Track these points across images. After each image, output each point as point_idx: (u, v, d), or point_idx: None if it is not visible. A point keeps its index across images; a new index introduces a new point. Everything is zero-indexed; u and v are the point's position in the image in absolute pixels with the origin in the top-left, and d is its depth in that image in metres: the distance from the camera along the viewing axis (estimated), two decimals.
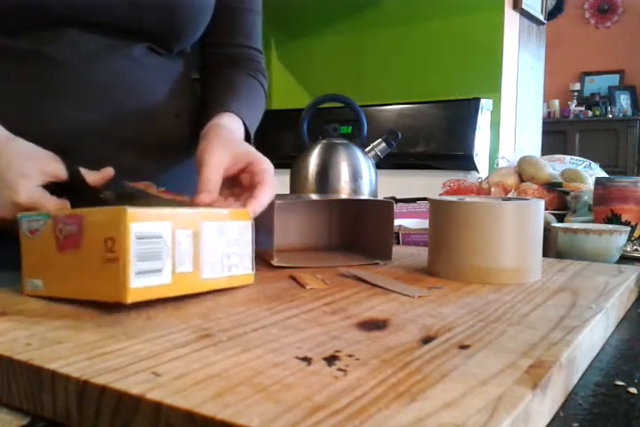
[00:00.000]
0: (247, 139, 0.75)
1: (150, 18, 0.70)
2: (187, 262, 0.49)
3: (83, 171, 0.61)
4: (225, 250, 0.53)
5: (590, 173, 1.34)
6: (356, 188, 1.07)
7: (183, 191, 0.62)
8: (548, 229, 0.76)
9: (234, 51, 0.85)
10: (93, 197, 0.61)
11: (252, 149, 0.65)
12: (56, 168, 0.59)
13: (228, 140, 0.65)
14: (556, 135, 5.13)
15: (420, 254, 0.73)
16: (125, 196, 0.61)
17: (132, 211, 0.45)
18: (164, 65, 0.76)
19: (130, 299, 0.44)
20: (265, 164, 0.62)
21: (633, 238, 0.91)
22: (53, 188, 0.59)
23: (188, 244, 0.49)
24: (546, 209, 1.07)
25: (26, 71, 0.67)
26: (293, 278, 0.59)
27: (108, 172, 0.62)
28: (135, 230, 0.44)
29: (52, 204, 0.57)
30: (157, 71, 0.76)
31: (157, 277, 0.46)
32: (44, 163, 0.59)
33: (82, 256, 0.47)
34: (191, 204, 0.57)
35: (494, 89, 2.06)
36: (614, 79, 5.56)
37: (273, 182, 0.61)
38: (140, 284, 0.44)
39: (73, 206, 0.58)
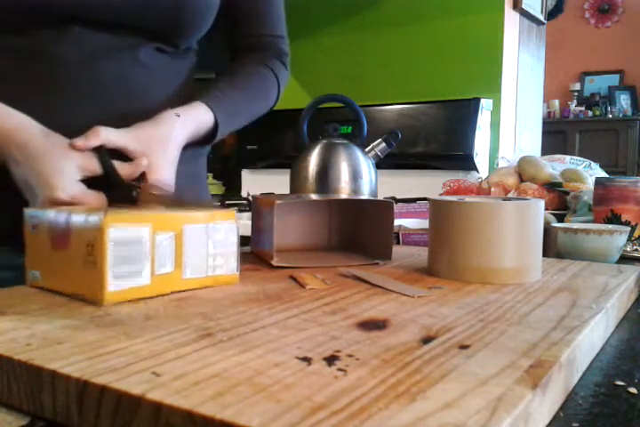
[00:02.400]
0: (215, 129, 0.75)
1: (153, 14, 0.70)
2: (167, 264, 0.50)
3: (116, 163, 0.62)
4: (210, 251, 0.54)
5: (590, 173, 1.34)
6: (355, 188, 1.07)
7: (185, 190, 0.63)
8: (547, 229, 0.76)
9: (257, 40, 0.86)
10: (127, 193, 0.62)
11: (161, 154, 0.66)
12: (90, 163, 0.60)
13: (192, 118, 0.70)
14: (556, 135, 5.12)
15: (420, 254, 0.73)
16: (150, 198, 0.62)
17: (109, 216, 0.46)
18: (169, 66, 0.76)
19: (106, 302, 0.46)
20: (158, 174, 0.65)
21: (633, 238, 0.91)
22: (89, 183, 0.60)
23: (168, 246, 0.50)
24: (546, 209, 1.07)
25: (28, 70, 0.66)
26: (293, 278, 0.59)
27: (141, 163, 0.63)
28: (112, 236, 0.46)
29: (92, 198, 0.59)
30: (162, 73, 0.75)
31: (136, 279, 0.48)
32: (79, 159, 0.60)
33: (70, 256, 0.49)
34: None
35: (494, 89, 2.06)
36: (614, 79, 5.55)
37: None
38: (117, 287, 0.47)
39: (109, 201, 0.60)
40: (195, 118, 0.72)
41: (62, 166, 0.58)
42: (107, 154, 0.61)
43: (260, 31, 0.86)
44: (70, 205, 0.57)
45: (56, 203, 0.57)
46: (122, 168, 0.62)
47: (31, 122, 0.62)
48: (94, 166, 0.60)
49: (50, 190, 0.57)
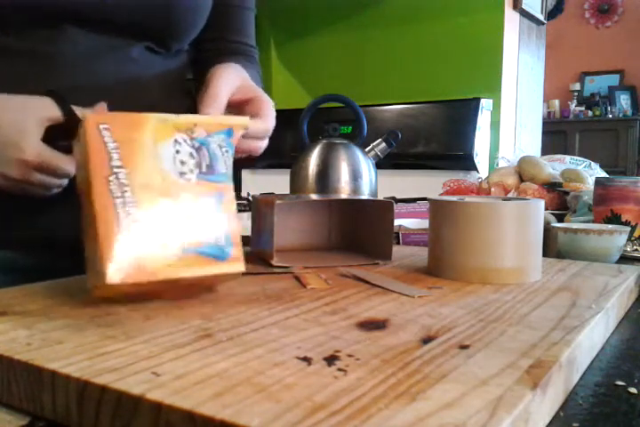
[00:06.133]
0: None
1: (146, 13, 0.70)
2: None
3: (76, 109, 0.59)
4: None
5: (590, 173, 1.34)
6: (355, 188, 1.07)
7: None
8: (547, 229, 0.76)
9: (227, 46, 0.85)
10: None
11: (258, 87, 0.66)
12: (49, 111, 0.57)
13: (238, 69, 0.66)
14: (556, 135, 5.12)
15: (420, 254, 0.73)
16: None
17: None
18: (162, 65, 0.76)
19: None
20: (269, 101, 0.64)
21: (633, 238, 0.91)
22: (51, 132, 0.57)
23: None
24: (546, 209, 1.07)
25: (25, 71, 0.66)
26: (296, 278, 0.59)
27: (101, 107, 0.60)
28: None
29: (63, 160, 0.56)
30: (156, 71, 0.75)
31: None
32: (36, 110, 0.57)
33: None
34: None
35: (494, 89, 2.06)
36: (614, 79, 5.55)
37: (272, 115, 0.64)
38: None
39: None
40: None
41: (22, 125, 0.55)
42: (64, 98, 0.58)
43: (235, 38, 0.84)
44: (40, 168, 0.54)
45: (25, 165, 0.55)
46: (81, 112, 0.59)
47: None
48: (54, 113, 0.57)
49: (17, 152, 0.55)
